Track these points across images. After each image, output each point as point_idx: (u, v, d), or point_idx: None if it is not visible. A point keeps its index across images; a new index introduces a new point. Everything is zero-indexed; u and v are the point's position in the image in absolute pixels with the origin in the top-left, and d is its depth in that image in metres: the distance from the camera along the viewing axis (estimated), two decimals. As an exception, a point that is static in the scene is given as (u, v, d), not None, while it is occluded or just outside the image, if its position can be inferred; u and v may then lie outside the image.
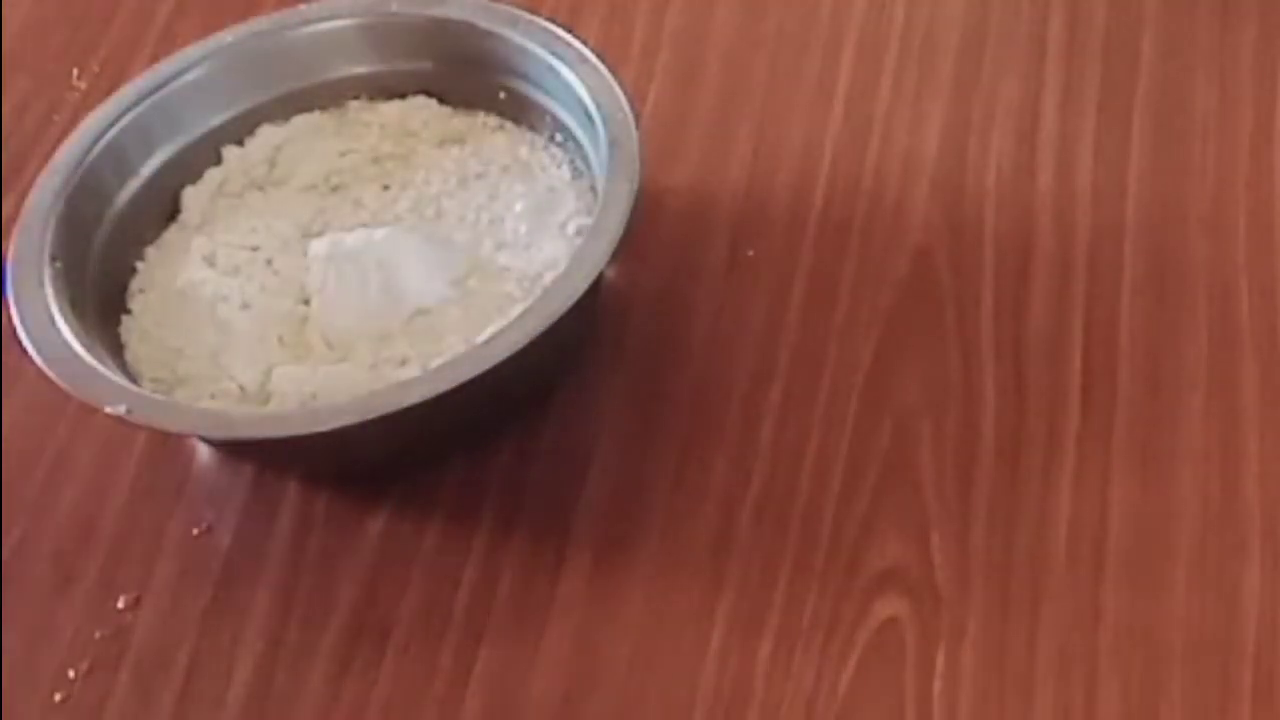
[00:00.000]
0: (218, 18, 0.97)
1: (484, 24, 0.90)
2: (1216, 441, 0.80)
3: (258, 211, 0.91)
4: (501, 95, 0.91)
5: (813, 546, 0.79)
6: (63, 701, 0.80)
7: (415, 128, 0.92)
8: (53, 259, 0.84)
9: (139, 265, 0.89)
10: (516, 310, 0.82)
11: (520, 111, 0.91)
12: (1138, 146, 0.91)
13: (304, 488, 0.85)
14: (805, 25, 0.98)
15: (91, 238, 0.87)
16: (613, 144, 0.83)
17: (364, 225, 0.89)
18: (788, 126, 0.94)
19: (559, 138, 0.90)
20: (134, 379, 0.83)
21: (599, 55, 0.87)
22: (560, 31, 0.88)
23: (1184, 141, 0.91)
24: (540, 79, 0.89)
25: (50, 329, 0.82)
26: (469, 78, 0.91)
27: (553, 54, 0.88)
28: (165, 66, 0.91)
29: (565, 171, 0.89)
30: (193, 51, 0.92)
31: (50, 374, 0.80)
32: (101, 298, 0.87)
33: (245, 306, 0.86)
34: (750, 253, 0.90)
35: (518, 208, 0.88)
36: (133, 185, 0.90)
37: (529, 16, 0.89)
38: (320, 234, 0.89)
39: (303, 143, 0.92)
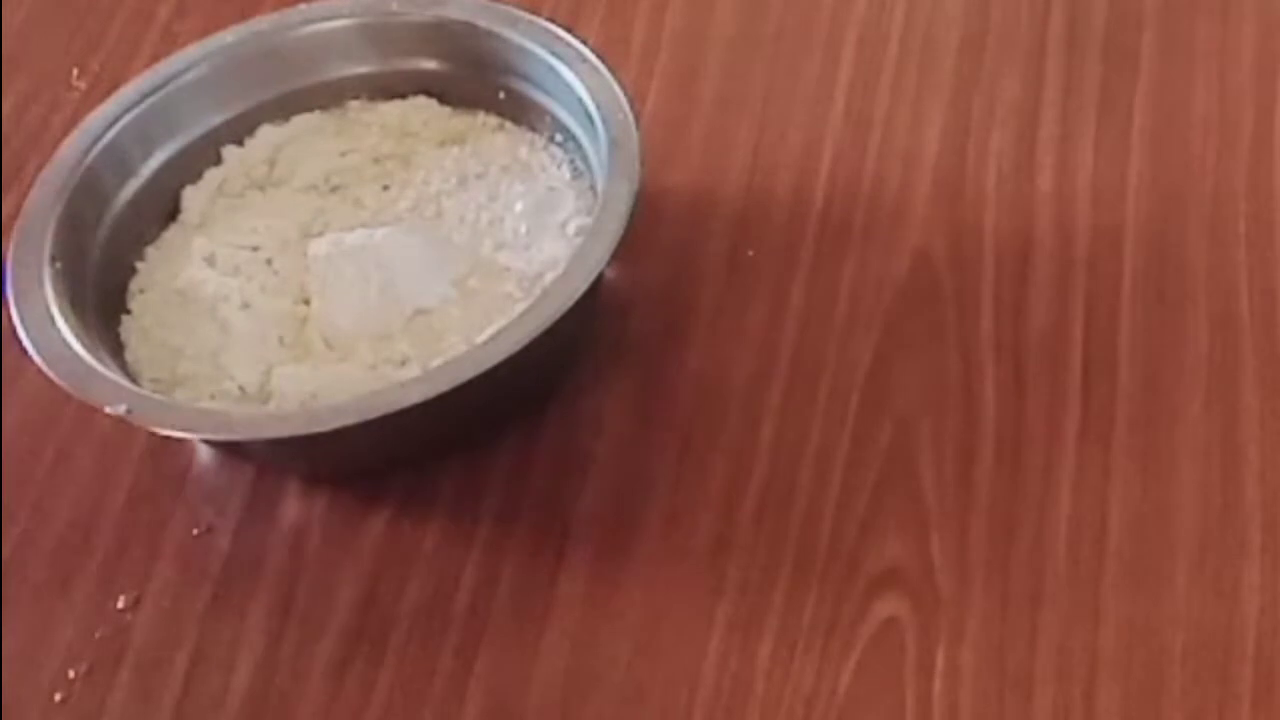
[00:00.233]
0: (218, 18, 0.97)
1: (484, 24, 0.90)
2: (1216, 441, 0.80)
3: (258, 211, 0.91)
4: (501, 95, 0.91)
5: (813, 546, 0.79)
6: (63, 701, 0.80)
7: (415, 128, 0.92)
8: (53, 259, 0.84)
9: (139, 265, 0.89)
10: (517, 310, 0.82)
11: (520, 111, 0.91)
12: (1138, 146, 0.91)
13: (304, 488, 0.85)
14: (805, 25, 0.98)
15: (91, 238, 0.87)
16: (613, 144, 0.83)
17: (364, 225, 0.89)
18: (788, 126, 0.94)
19: (559, 138, 0.90)
20: (134, 379, 0.83)
21: (599, 55, 0.87)
22: (560, 31, 0.88)
23: (1184, 141, 0.91)
24: (540, 79, 0.89)
25: (50, 329, 0.82)
26: (469, 78, 0.92)
27: (553, 54, 0.88)
28: (165, 66, 0.91)
29: (565, 171, 0.89)
30: (193, 51, 0.92)
31: (50, 374, 0.80)
32: (101, 298, 0.87)
33: (245, 306, 0.86)
34: (750, 253, 0.90)
35: (518, 208, 0.88)
36: (133, 185, 0.90)
37: (529, 17, 0.89)
38: (320, 234, 0.89)
39: (303, 143, 0.92)
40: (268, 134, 0.92)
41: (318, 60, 0.92)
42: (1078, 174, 0.90)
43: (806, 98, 0.95)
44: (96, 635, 0.81)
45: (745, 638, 0.77)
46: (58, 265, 0.84)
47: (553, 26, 0.88)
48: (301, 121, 0.93)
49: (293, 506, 0.84)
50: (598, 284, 0.81)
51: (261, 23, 0.92)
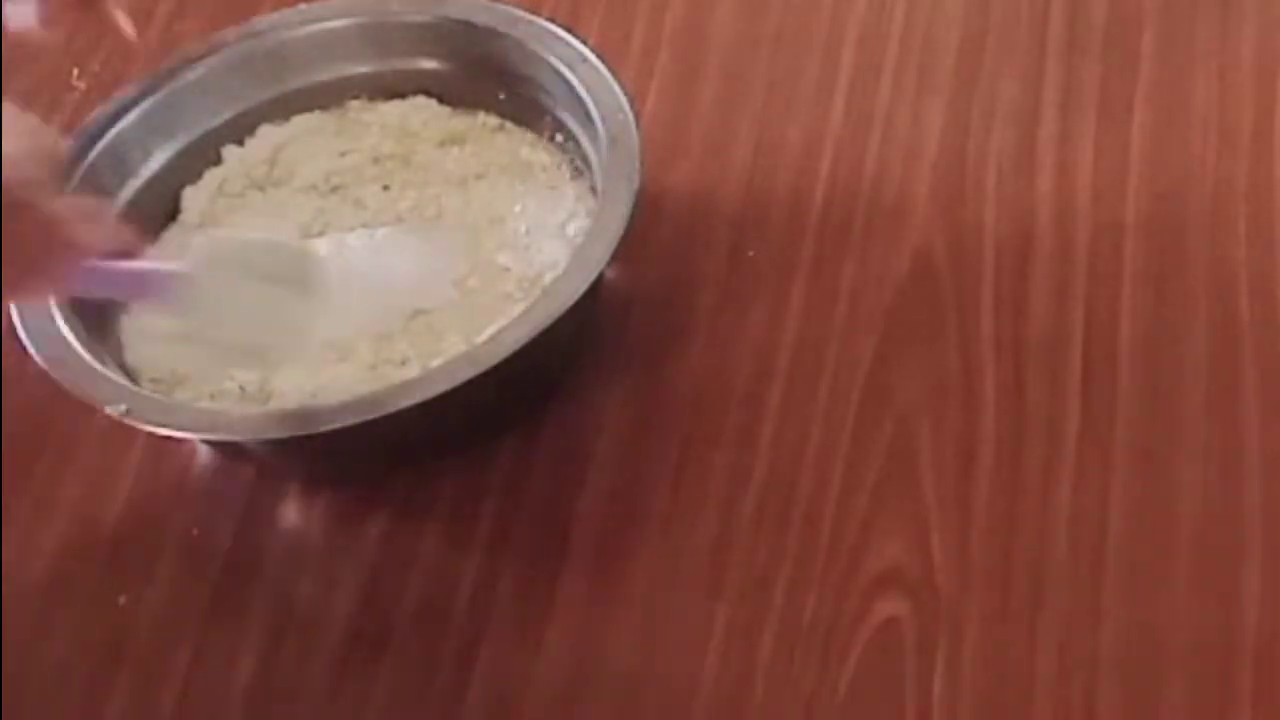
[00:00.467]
0: (218, 18, 0.98)
1: (483, 24, 0.90)
2: (1216, 441, 0.80)
3: (258, 211, 0.91)
4: (501, 95, 0.91)
5: (813, 546, 0.79)
6: (63, 700, 0.80)
7: (415, 128, 0.92)
8: None
9: None
10: (516, 310, 0.82)
11: (520, 112, 0.91)
12: (1138, 146, 0.91)
13: (304, 488, 0.85)
14: (805, 25, 0.98)
15: None
16: (613, 144, 0.83)
17: (364, 225, 0.89)
18: (788, 126, 0.94)
19: (559, 138, 0.90)
20: (134, 379, 0.83)
21: (599, 55, 0.87)
22: (560, 32, 0.88)
23: (1184, 141, 0.91)
24: (540, 79, 0.89)
25: (50, 328, 0.82)
26: (469, 78, 0.92)
27: (553, 54, 0.88)
28: (165, 66, 0.91)
29: (565, 172, 0.89)
30: (193, 51, 0.92)
31: (50, 373, 0.80)
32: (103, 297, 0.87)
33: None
34: (750, 253, 0.90)
35: (517, 208, 0.88)
36: (133, 185, 0.90)
37: (529, 17, 0.89)
38: (320, 234, 0.89)
39: (303, 143, 0.92)
40: (268, 134, 0.92)
41: (318, 60, 0.92)
42: (1078, 174, 0.90)
43: (806, 98, 0.95)
44: (96, 635, 0.81)
45: (745, 638, 0.77)
46: None
47: (553, 27, 0.88)
48: (301, 121, 0.93)
49: (292, 507, 0.84)
50: (597, 284, 0.81)
51: (261, 23, 0.92)
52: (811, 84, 0.96)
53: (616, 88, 0.85)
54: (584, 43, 0.87)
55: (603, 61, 0.86)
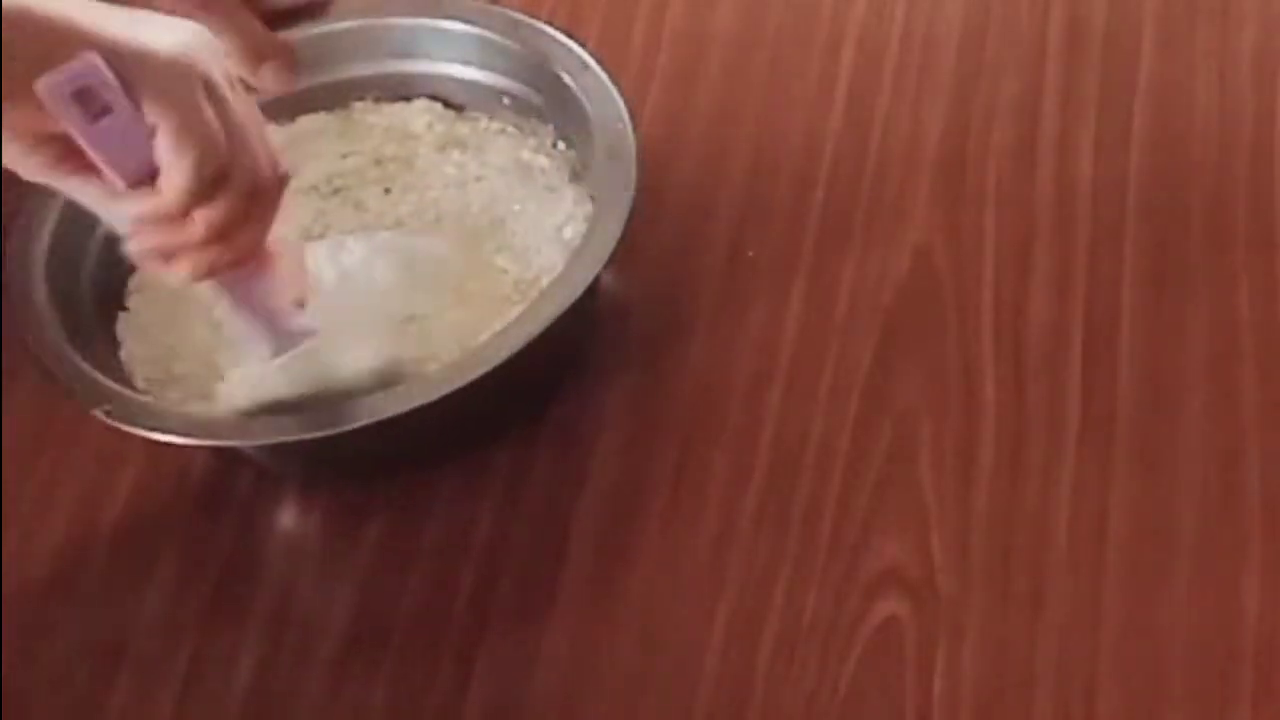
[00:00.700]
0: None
1: (486, 29, 0.90)
2: (1216, 441, 0.80)
3: None
4: (505, 100, 0.91)
5: (813, 546, 0.79)
6: (63, 701, 0.80)
7: (418, 130, 0.92)
8: (50, 254, 0.84)
9: None
10: (514, 313, 0.82)
11: (522, 117, 0.91)
12: (1138, 146, 0.91)
13: (304, 488, 0.85)
14: (805, 25, 0.98)
15: (90, 235, 0.87)
16: (610, 152, 0.83)
17: (365, 228, 0.88)
18: (788, 126, 0.94)
19: (560, 144, 0.89)
20: (129, 376, 0.83)
21: (600, 61, 0.87)
22: (562, 37, 0.88)
23: (1184, 141, 0.91)
24: (542, 85, 0.88)
25: (40, 326, 0.82)
26: (472, 82, 0.91)
27: (555, 60, 0.87)
28: None
29: (565, 177, 0.89)
30: None
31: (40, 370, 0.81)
32: (99, 294, 0.86)
33: None
34: (750, 253, 0.90)
35: (516, 208, 0.88)
36: None
37: (531, 21, 0.89)
38: (321, 235, 0.89)
39: (306, 143, 0.92)
40: (272, 134, 0.92)
41: (323, 60, 0.92)
42: (1078, 173, 0.90)
43: (807, 97, 0.95)
44: (96, 635, 0.81)
45: (745, 637, 0.77)
46: (55, 261, 0.84)
47: (555, 32, 0.88)
48: (306, 122, 0.93)
49: (292, 507, 0.84)
50: (594, 289, 0.81)
51: None
52: (811, 84, 0.96)
53: (617, 96, 0.85)
54: (585, 48, 0.87)
55: (604, 68, 0.86)
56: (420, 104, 0.93)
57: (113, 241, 0.88)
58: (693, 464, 0.83)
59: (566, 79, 0.87)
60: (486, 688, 0.78)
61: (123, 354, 0.85)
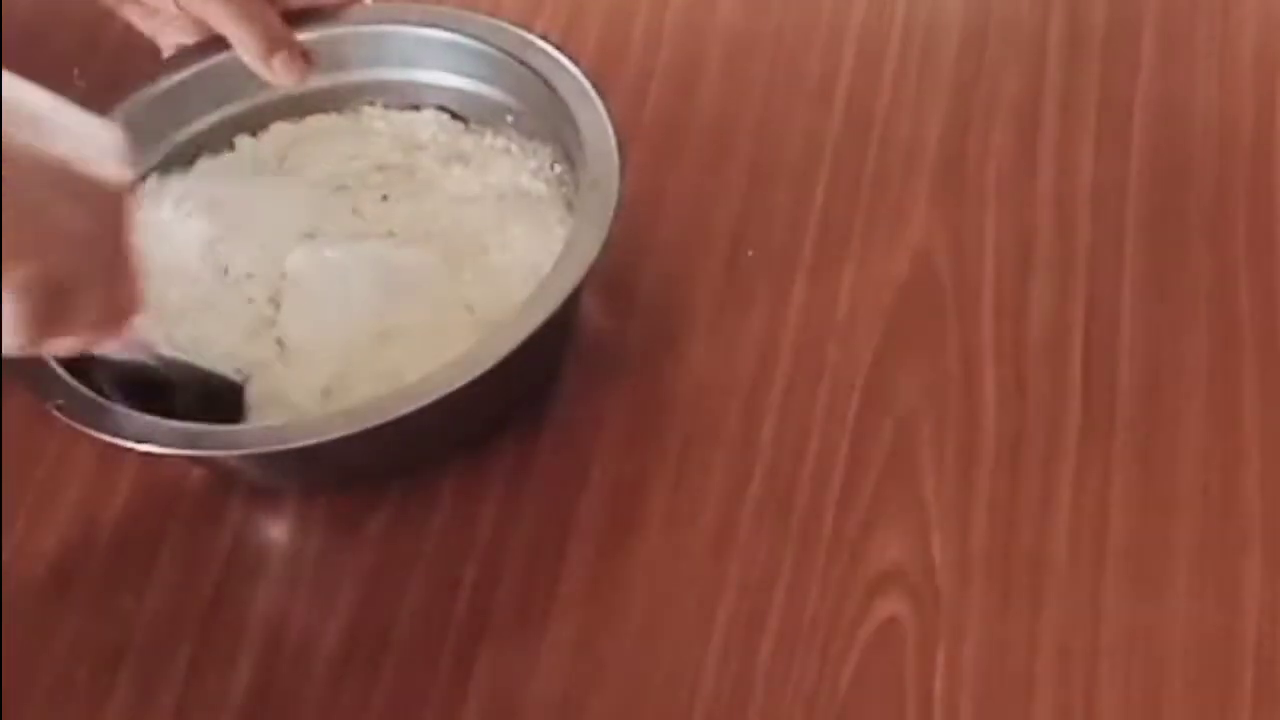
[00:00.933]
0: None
1: (497, 46, 0.89)
2: (1216, 441, 0.80)
3: (264, 194, 0.91)
4: (509, 118, 0.90)
5: (813, 546, 0.79)
6: (63, 701, 0.80)
7: (424, 141, 0.92)
8: None
9: None
10: (465, 344, 0.81)
11: (525, 137, 0.90)
12: (1138, 146, 0.91)
13: (303, 490, 0.85)
14: (805, 25, 0.98)
15: None
16: (593, 186, 0.82)
17: (356, 233, 0.88)
18: (788, 126, 0.94)
19: (558, 167, 0.89)
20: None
21: (598, 90, 0.86)
22: (565, 60, 0.87)
23: (1184, 141, 0.91)
24: (542, 107, 0.88)
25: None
26: (479, 97, 0.91)
27: (558, 84, 0.87)
28: (181, 60, 0.91)
29: (559, 206, 0.88)
30: (212, 45, 0.92)
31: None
32: None
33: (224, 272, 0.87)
34: (750, 253, 0.89)
35: (504, 239, 0.87)
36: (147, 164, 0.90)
37: (539, 42, 0.88)
38: (311, 235, 0.89)
39: (313, 143, 0.92)
40: (281, 130, 0.93)
41: (335, 63, 0.92)
42: (1078, 174, 0.90)
43: (806, 97, 0.95)
44: (96, 635, 0.81)
45: (745, 637, 0.77)
46: None
47: (559, 55, 0.87)
48: (315, 121, 0.93)
49: (293, 507, 0.84)
50: (564, 318, 0.81)
51: None
52: (812, 84, 0.96)
53: (609, 129, 0.84)
54: (585, 74, 0.87)
55: (600, 97, 0.86)
56: (429, 114, 0.92)
57: None
58: (693, 464, 0.83)
59: (566, 104, 0.86)
60: (486, 688, 0.78)
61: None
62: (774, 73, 0.97)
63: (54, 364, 0.81)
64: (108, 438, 0.79)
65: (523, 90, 0.89)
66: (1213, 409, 0.81)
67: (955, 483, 0.80)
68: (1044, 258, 0.87)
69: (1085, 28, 0.96)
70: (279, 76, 0.89)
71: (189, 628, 0.81)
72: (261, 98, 0.92)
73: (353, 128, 0.93)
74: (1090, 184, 0.90)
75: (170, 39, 0.93)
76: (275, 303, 0.86)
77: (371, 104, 0.93)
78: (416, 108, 0.93)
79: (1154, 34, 0.95)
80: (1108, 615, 0.76)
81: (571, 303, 0.81)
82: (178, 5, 0.89)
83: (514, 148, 0.91)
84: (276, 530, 0.84)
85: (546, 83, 0.87)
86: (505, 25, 0.90)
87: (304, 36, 0.90)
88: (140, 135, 0.89)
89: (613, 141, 0.84)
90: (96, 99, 0.92)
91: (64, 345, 0.75)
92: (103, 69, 1.01)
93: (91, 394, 0.81)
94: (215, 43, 0.91)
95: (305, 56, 0.89)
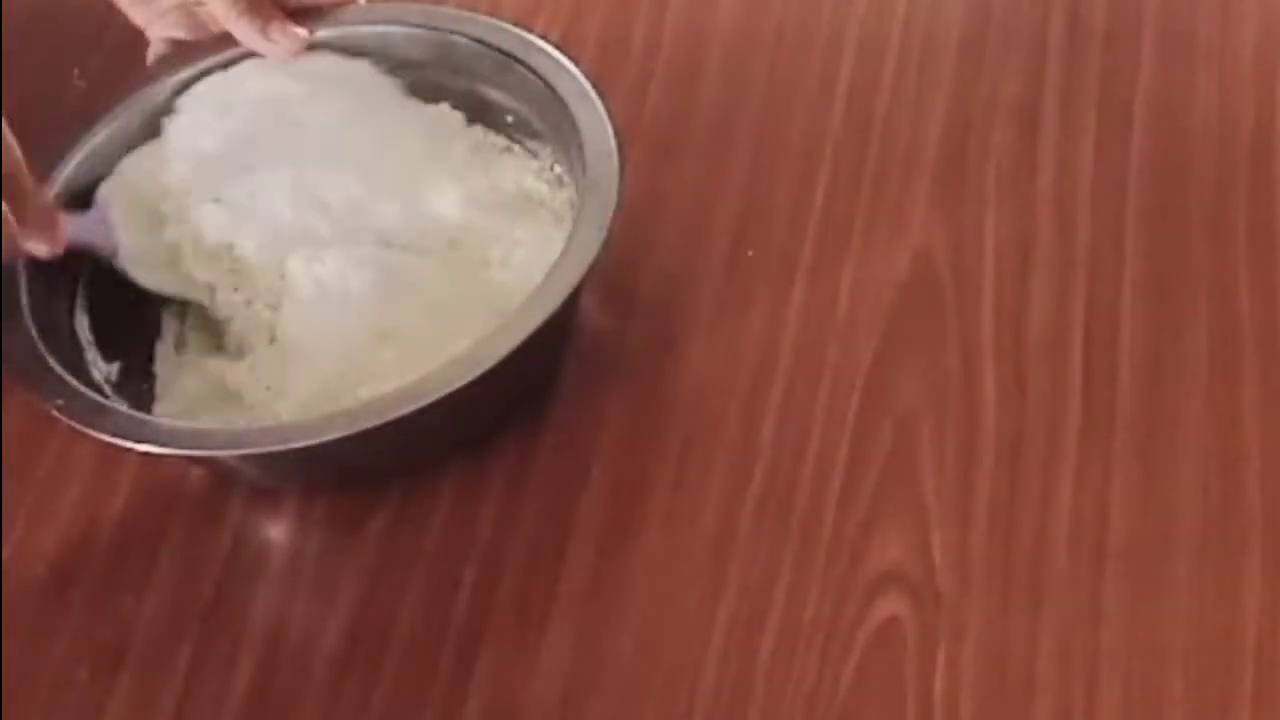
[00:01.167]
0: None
1: (496, 46, 0.89)
2: (1216, 441, 0.80)
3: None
4: (509, 119, 0.90)
5: (813, 546, 0.79)
6: (63, 701, 0.80)
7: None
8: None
9: None
10: (487, 333, 0.81)
11: (525, 137, 0.90)
12: (1138, 146, 0.91)
13: (304, 490, 0.85)
14: (805, 24, 0.98)
15: None
16: (592, 188, 0.82)
17: (352, 237, 0.88)
18: (788, 126, 0.94)
19: (557, 169, 0.89)
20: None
21: (599, 92, 0.86)
22: (565, 60, 0.87)
23: (1184, 141, 0.91)
24: (542, 108, 0.88)
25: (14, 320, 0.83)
26: (483, 96, 0.91)
27: (559, 86, 0.87)
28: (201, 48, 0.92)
29: (560, 201, 0.88)
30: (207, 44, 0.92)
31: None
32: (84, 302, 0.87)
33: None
34: (750, 253, 0.90)
35: (505, 244, 0.87)
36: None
37: (539, 43, 0.88)
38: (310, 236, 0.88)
39: None
40: None
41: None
42: (1078, 174, 0.90)
43: (807, 97, 0.95)
44: (96, 635, 0.81)
45: (745, 637, 0.77)
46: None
47: (560, 56, 0.87)
48: None
49: (293, 507, 0.84)
50: (562, 319, 0.81)
51: None
52: (812, 84, 0.96)
53: (609, 129, 0.84)
54: (587, 76, 0.87)
55: (600, 98, 0.85)
56: (442, 108, 0.92)
57: None
58: (693, 464, 0.83)
59: (570, 106, 0.86)
60: (486, 688, 0.78)
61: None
62: (774, 73, 0.97)
63: (54, 364, 0.81)
64: (108, 438, 0.79)
65: (523, 91, 0.89)
66: (1213, 409, 0.81)
67: (955, 483, 0.80)
68: (1044, 258, 0.87)
69: (1085, 28, 0.96)
70: (277, 44, 0.89)
71: (189, 628, 0.81)
72: None
73: None
74: (1090, 184, 0.90)
75: (161, 31, 0.93)
76: (273, 307, 0.86)
77: None
78: (435, 100, 0.92)
79: (1154, 34, 0.95)
80: (1108, 615, 0.76)
81: (571, 303, 0.81)
82: None
83: (514, 148, 0.91)
84: (276, 530, 0.84)
85: (546, 83, 0.87)
86: (505, 25, 0.90)
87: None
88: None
89: (613, 142, 0.84)
90: (97, 98, 0.93)
91: None
92: (103, 68, 1.01)
93: (92, 394, 0.81)
94: (205, 44, 0.91)
95: (290, 21, 0.89)
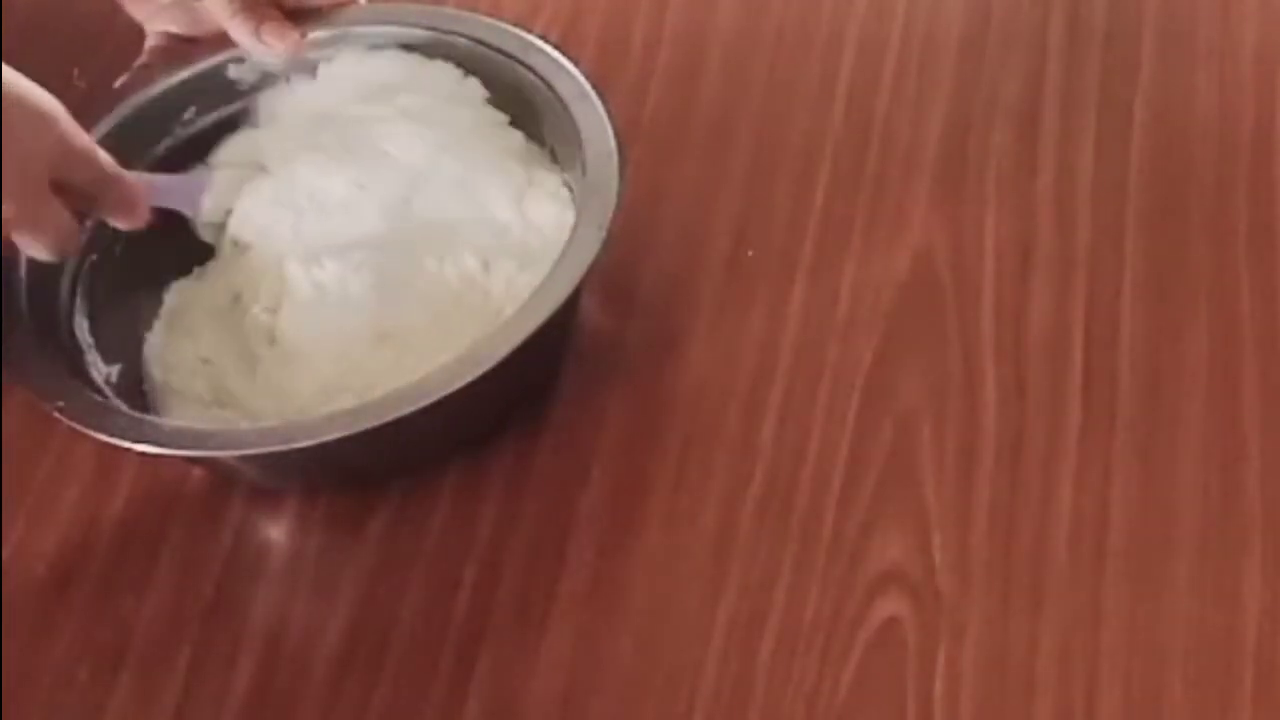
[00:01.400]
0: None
1: (496, 46, 0.89)
2: (1216, 441, 0.80)
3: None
4: (508, 119, 0.90)
5: (813, 546, 0.79)
6: (63, 701, 0.80)
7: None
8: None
9: None
10: (487, 332, 0.81)
11: (525, 137, 0.90)
12: (1138, 146, 0.91)
13: (304, 490, 0.85)
14: (806, 25, 0.98)
15: None
16: (592, 188, 0.82)
17: (351, 239, 0.88)
18: (788, 126, 0.94)
19: (558, 168, 0.89)
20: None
21: (598, 92, 0.86)
22: (564, 61, 0.87)
23: (1184, 141, 0.91)
24: (543, 108, 0.88)
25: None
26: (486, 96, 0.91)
27: (558, 85, 0.87)
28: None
29: (564, 198, 0.88)
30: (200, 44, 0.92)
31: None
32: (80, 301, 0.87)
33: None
34: (750, 253, 0.90)
35: (510, 231, 0.87)
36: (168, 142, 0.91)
37: (539, 44, 0.88)
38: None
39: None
40: None
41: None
42: (1078, 174, 0.90)
43: (807, 97, 0.95)
44: (96, 635, 0.81)
45: (745, 637, 0.77)
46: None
47: (560, 56, 0.87)
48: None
49: (293, 507, 0.84)
50: (560, 324, 0.81)
51: None
52: (812, 84, 0.96)
53: (609, 129, 0.84)
54: (586, 76, 0.87)
55: (600, 98, 0.85)
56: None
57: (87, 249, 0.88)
58: (693, 464, 0.83)
59: (570, 106, 0.86)
60: (486, 688, 0.78)
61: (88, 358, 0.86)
62: (774, 73, 0.97)
63: (54, 365, 0.81)
64: (108, 438, 0.79)
65: (523, 91, 0.89)
66: (1213, 409, 0.81)
67: (955, 483, 0.80)
68: (1044, 258, 0.87)
69: (1085, 28, 0.96)
70: (272, 46, 0.89)
71: (189, 628, 0.81)
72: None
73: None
74: (1090, 184, 0.90)
75: (158, 26, 0.93)
76: (272, 310, 0.86)
77: None
78: None
79: (1154, 34, 0.95)
80: (1108, 615, 0.76)
81: (571, 303, 0.81)
82: None
83: (514, 146, 0.91)
84: (276, 530, 0.84)
85: (546, 83, 0.87)
86: (504, 25, 0.90)
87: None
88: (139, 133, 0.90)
89: (613, 142, 0.84)
90: (97, 98, 0.93)
91: None
92: (103, 69, 1.01)
93: (92, 394, 0.81)
94: (199, 44, 0.91)
95: (286, 21, 0.89)
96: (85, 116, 0.88)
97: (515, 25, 0.89)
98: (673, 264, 0.90)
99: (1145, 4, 0.96)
